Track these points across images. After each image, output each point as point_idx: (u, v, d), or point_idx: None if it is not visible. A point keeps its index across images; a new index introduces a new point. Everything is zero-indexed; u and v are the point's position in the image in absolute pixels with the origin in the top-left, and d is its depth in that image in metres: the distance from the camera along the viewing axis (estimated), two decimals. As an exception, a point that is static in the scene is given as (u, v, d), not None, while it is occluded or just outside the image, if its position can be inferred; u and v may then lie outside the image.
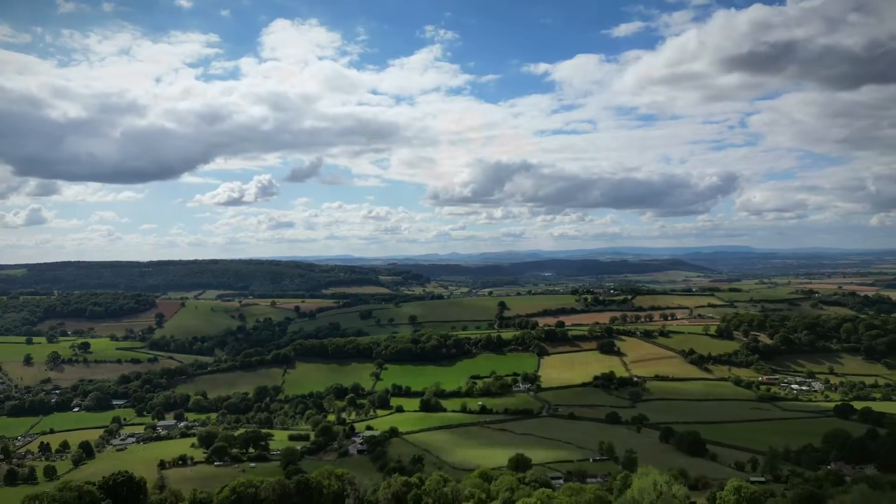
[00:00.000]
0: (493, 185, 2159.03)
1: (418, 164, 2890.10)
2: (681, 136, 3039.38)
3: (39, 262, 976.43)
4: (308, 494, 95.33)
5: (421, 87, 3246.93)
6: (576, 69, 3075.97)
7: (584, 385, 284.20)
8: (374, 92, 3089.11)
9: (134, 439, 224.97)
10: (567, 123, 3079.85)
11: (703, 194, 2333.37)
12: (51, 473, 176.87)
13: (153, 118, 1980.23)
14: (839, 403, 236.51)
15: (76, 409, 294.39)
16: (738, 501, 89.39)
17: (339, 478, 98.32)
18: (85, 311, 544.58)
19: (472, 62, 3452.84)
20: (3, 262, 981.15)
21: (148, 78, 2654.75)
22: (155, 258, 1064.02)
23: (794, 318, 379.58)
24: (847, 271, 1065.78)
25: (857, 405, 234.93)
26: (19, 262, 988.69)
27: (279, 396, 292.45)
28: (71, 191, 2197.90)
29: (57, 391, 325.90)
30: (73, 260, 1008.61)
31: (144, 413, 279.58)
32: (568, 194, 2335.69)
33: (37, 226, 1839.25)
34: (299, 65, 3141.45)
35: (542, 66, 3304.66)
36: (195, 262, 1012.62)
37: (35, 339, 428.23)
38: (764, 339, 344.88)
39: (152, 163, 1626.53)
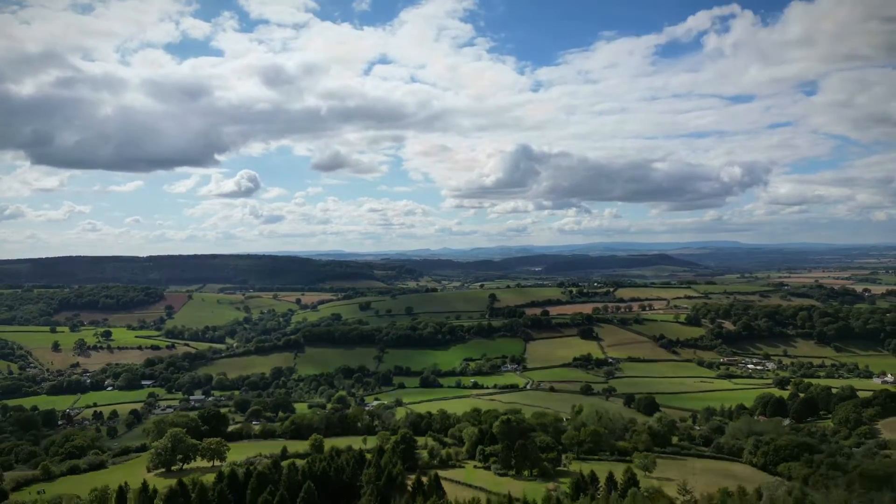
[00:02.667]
0: (511, 177, 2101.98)
1: (435, 154, 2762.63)
2: (712, 121, 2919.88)
3: (38, 257, 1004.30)
4: (347, 424, 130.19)
5: (434, 53, 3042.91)
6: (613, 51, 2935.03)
7: (564, 365, 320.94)
8: (384, 61, 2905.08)
9: (172, 409, 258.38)
10: (596, 102, 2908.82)
11: (722, 189, 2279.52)
12: (112, 434, 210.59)
13: (132, 95, 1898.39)
14: (780, 378, 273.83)
15: (109, 389, 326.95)
16: (658, 426, 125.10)
17: (369, 413, 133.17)
18: (98, 303, 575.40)
19: (482, 21, 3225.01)
20: (4, 258, 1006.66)
21: (113, 41, 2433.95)
22: (144, 253, 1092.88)
23: (756, 307, 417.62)
24: (829, 265, 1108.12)
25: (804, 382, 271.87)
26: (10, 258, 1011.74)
27: (293, 376, 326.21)
28: (38, 181, 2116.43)
29: (87, 373, 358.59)
30: (74, 255, 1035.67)
31: (173, 391, 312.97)
32: (584, 188, 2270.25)
33: (12, 220, 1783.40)
34: (294, 28, 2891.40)
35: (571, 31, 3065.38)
36: (194, 256, 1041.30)
37: (58, 329, 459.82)
38: (728, 325, 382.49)
39: (128, 150, 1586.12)
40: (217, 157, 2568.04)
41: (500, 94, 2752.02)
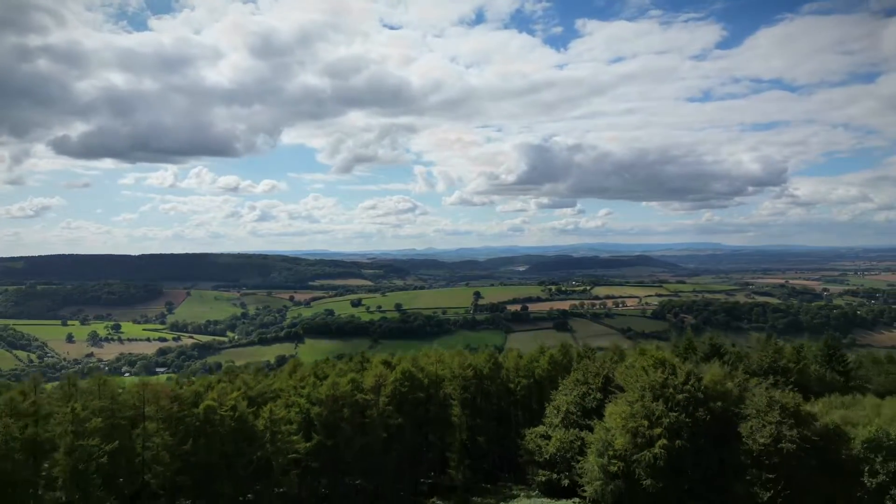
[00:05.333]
0: (531, 174, 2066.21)
1: (448, 147, 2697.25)
2: (736, 115, 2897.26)
3: (27, 255, 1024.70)
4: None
5: (450, 15, 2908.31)
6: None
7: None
8: (393, 26, 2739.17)
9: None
10: (622, 87, 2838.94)
11: (733, 188, 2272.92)
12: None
13: (98, 71, 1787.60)
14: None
15: (126, 375, 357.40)
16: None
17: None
18: (100, 299, 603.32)
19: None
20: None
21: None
22: (131, 250, 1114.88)
23: (717, 303, 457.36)
24: (804, 268, 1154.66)
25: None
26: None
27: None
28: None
29: (103, 362, 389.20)
30: (67, 253, 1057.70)
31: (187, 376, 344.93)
32: (596, 185, 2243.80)
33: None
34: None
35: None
36: (186, 255, 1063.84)
37: (69, 322, 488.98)
38: (689, 319, 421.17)
39: (108, 140, 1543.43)
40: (206, 149, 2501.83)
41: (525, 73, 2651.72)
